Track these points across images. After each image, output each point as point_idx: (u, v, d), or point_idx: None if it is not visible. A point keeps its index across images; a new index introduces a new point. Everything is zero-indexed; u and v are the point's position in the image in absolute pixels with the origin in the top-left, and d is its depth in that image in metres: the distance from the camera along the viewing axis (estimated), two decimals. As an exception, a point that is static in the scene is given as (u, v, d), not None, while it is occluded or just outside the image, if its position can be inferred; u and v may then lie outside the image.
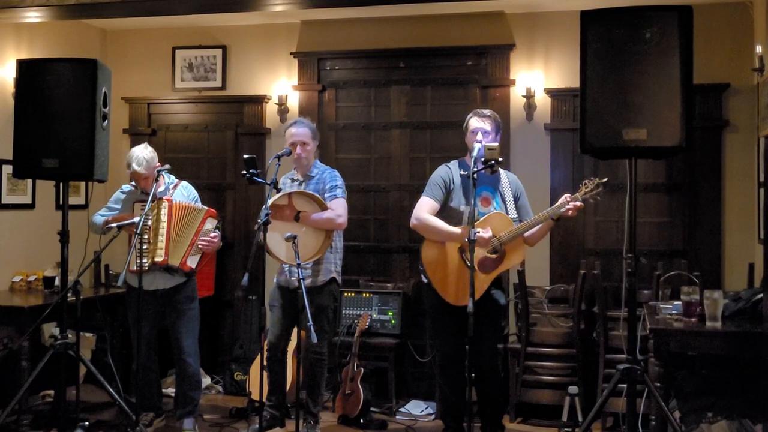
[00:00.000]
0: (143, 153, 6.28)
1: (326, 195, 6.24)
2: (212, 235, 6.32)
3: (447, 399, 5.90)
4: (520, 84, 7.90)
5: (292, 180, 6.45)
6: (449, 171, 5.75)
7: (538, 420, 7.05)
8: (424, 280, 5.74)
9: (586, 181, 5.23)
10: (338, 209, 6.20)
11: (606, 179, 5.17)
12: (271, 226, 5.61)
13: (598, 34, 4.57)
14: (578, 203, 5.22)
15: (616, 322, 6.72)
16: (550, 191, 7.55)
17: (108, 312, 7.40)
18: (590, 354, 6.96)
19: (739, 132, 7.46)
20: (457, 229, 5.52)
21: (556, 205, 5.31)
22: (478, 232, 5.12)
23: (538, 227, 5.48)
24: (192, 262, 6.29)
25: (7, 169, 7.26)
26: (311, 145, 6.38)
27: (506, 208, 5.60)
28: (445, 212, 5.70)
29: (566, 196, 5.24)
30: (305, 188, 6.29)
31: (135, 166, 6.25)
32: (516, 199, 5.69)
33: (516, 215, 5.60)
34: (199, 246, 6.27)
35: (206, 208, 6.37)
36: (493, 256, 5.45)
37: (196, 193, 6.60)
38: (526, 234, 5.54)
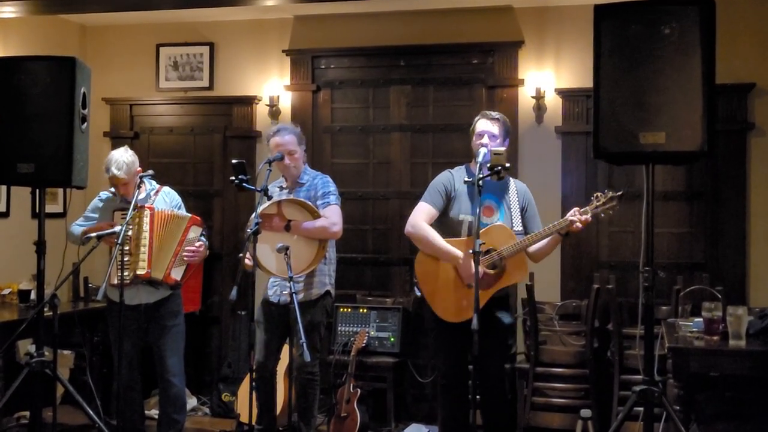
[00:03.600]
0: (123, 156, 6.26)
1: (319, 202, 6.20)
2: (197, 244, 6.31)
3: (448, 422, 5.87)
4: (529, 84, 7.90)
5: (281, 188, 6.42)
6: (451, 177, 5.71)
7: (548, 445, 7.06)
8: (417, 293, 5.71)
9: (599, 194, 5.18)
10: (332, 217, 6.16)
11: (621, 192, 5.12)
12: (261, 237, 5.58)
13: (612, 30, 4.56)
14: (586, 217, 5.19)
15: (632, 340, 6.69)
16: (561, 199, 7.54)
17: (87, 328, 7.41)
18: (604, 375, 6.95)
19: (765, 136, 7.46)
20: (455, 250, 5.47)
21: (563, 219, 5.27)
22: (482, 243, 5.08)
23: (544, 242, 5.45)
24: (176, 275, 6.27)
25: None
26: (299, 152, 6.34)
27: (511, 220, 5.56)
28: (443, 221, 5.67)
29: (575, 210, 5.21)
30: (295, 196, 6.27)
31: (114, 170, 6.20)
32: (523, 211, 5.64)
33: (521, 228, 5.56)
34: (184, 257, 6.25)
35: (190, 215, 6.35)
36: (492, 271, 5.42)
37: (180, 200, 6.58)
38: (531, 249, 5.50)
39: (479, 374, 5.66)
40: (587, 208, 5.17)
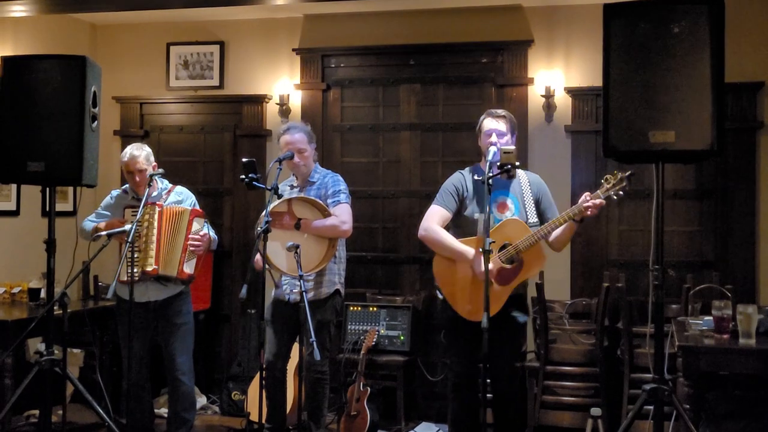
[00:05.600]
0: (141, 146, 6.39)
1: (329, 201, 6.21)
2: (201, 233, 6.32)
3: (459, 421, 5.87)
4: (538, 83, 7.90)
5: (292, 187, 6.43)
6: (462, 177, 5.71)
7: (558, 444, 7.05)
8: (440, 296, 5.70)
9: (608, 176, 5.15)
10: (342, 215, 6.16)
11: (631, 172, 5.06)
12: (271, 235, 5.58)
13: (622, 29, 4.56)
14: (599, 201, 5.16)
15: (642, 338, 6.68)
16: (571, 197, 7.51)
17: (97, 326, 7.42)
18: (614, 373, 6.95)
19: (775, 134, 7.46)
20: (467, 248, 5.47)
21: (575, 205, 5.25)
22: (492, 242, 5.07)
23: (560, 230, 5.42)
24: (189, 268, 6.27)
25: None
26: (308, 151, 6.34)
27: (526, 213, 5.55)
28: (458, 222, 5.67)
29: (586, 195, 5.19)
30: (306, 194, 6.27)
31: (134, 151, 6.30)
32: (538, 203, 5.62)
33: (536, 220, 5.54)
34: (191, 248, 6.26)
35: (190, 208, 6.37)
36: (509, 266, 5.41)
37: (193, 197, 6.59)
38: (550, 239, 5.50)
39: (492, 373, 5.67)
40: (598, 191, 5.14)
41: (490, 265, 5.12)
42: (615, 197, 5.12)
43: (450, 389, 5.83)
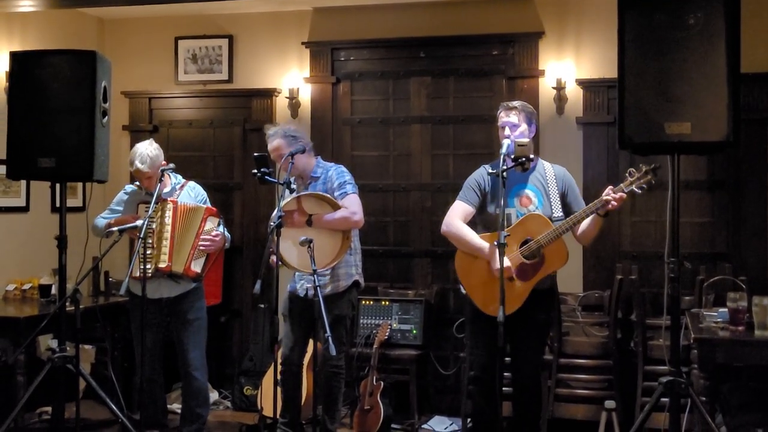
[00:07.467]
0: (147, 150, 6.27)
1: (336, 193, 6.19)
2: (214, 233, 6.31)
3: (479, 413, 5.84)
4: (549, 74, 7.88)
5: (297, 184, 6.42)
6: (483, 172, 5.65)
7: (572, 437, 7.04)
8: (462, 291, 5.68)
9: (632, 170, 5.11)
10: (352, 206, 6.15)
11: (655, 165, 5.03)
12: (283, 234, 5.57)
13: (637, 20, 4.54)
14: (620, 195, 5.12)
15: (655, 331, 6.69)
16: (583, 190, 7.49)
17: (109, 322, 7.43)
18: (628, 365, 6.93)
19: (787, 125, 7.43)
20: (483, 243, 5.45)
21: (597, 200, 5.22)
22: (507, 236, 5.05)
23: (587, 224, 5.39)
24: (196, 267, 6.27)
25: (0, 170, 7.25)
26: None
27: (550, 206, 5.52)
28: (482, 217, 5.65)
29: (609, 189, 5.16)
30: (312, 190, 6.25)
31: (138, 164, 6.22)
32: (564, 196, 5.59)
33: (561, 214, 5.50)
34: (201, 248, 6.25)
35: (205, 206, 6.36)
36: (530, 261, 5.39)
37: (205, 194, 6.58)
38: (578, 233, 5.46)
39: (515, 368, 5.66)
40: (621, 185, 5.11)
41: (509, 261, 5.14)
42: (638, 191, 5.09)
43: (470, 381, 5.81)
